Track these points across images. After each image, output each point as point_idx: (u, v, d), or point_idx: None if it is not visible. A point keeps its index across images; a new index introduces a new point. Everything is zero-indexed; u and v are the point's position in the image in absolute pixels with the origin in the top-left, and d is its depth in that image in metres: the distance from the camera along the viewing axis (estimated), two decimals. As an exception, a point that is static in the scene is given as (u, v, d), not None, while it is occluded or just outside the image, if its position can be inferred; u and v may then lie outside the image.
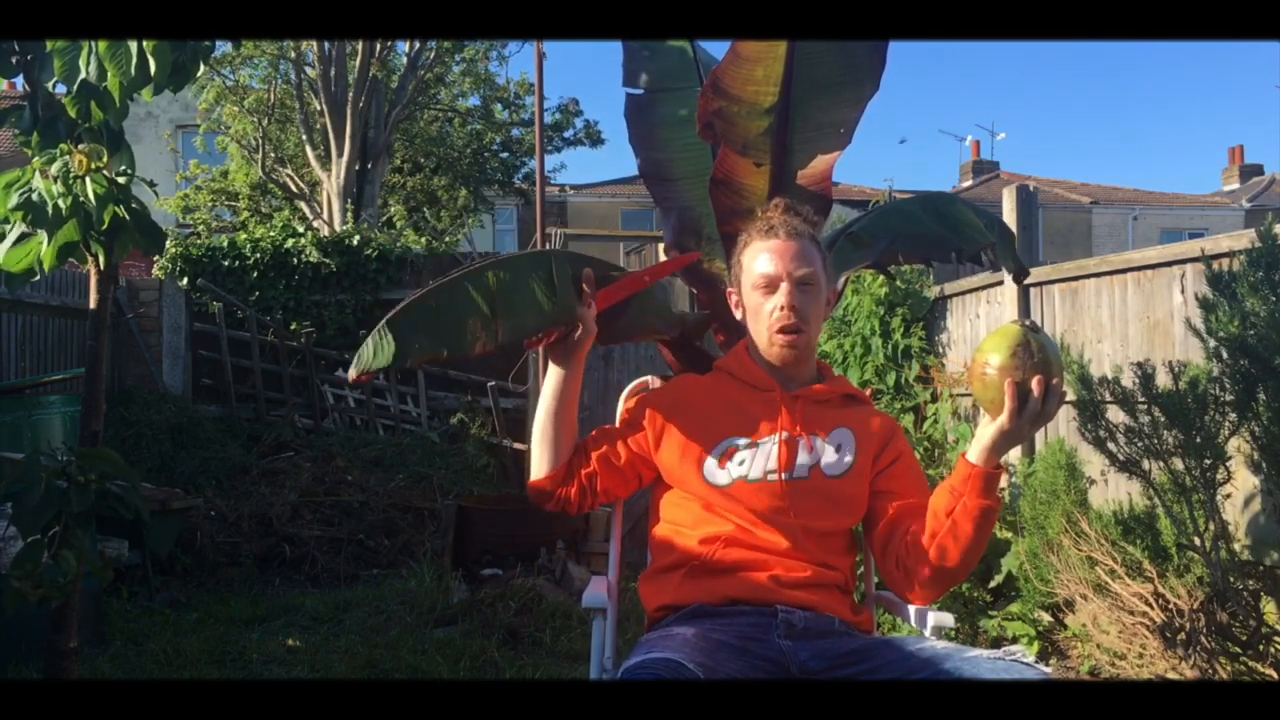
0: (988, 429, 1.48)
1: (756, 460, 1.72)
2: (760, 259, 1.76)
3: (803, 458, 1.73)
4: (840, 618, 1.68)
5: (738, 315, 1.85)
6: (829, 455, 1.74)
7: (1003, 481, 1.65)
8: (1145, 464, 2.80)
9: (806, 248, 1.76)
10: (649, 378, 2.08)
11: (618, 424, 1.92)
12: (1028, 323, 1.45)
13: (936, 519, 1.58)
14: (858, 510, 1.75)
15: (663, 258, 2.64)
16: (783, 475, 1.71)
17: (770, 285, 1.75)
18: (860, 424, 1.80)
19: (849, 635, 1.65)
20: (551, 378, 1.81)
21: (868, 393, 4.97)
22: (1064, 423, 3.97)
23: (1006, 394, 1.42)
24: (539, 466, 1.82)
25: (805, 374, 1.83)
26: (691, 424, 1.78)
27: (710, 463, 1.74)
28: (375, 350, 1.65)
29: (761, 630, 1.62)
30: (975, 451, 1.52)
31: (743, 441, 1.74)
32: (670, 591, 1.72)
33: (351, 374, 1.65)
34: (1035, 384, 1.42)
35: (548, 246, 6.42)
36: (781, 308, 1.73)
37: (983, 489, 1.52)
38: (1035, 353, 1.42)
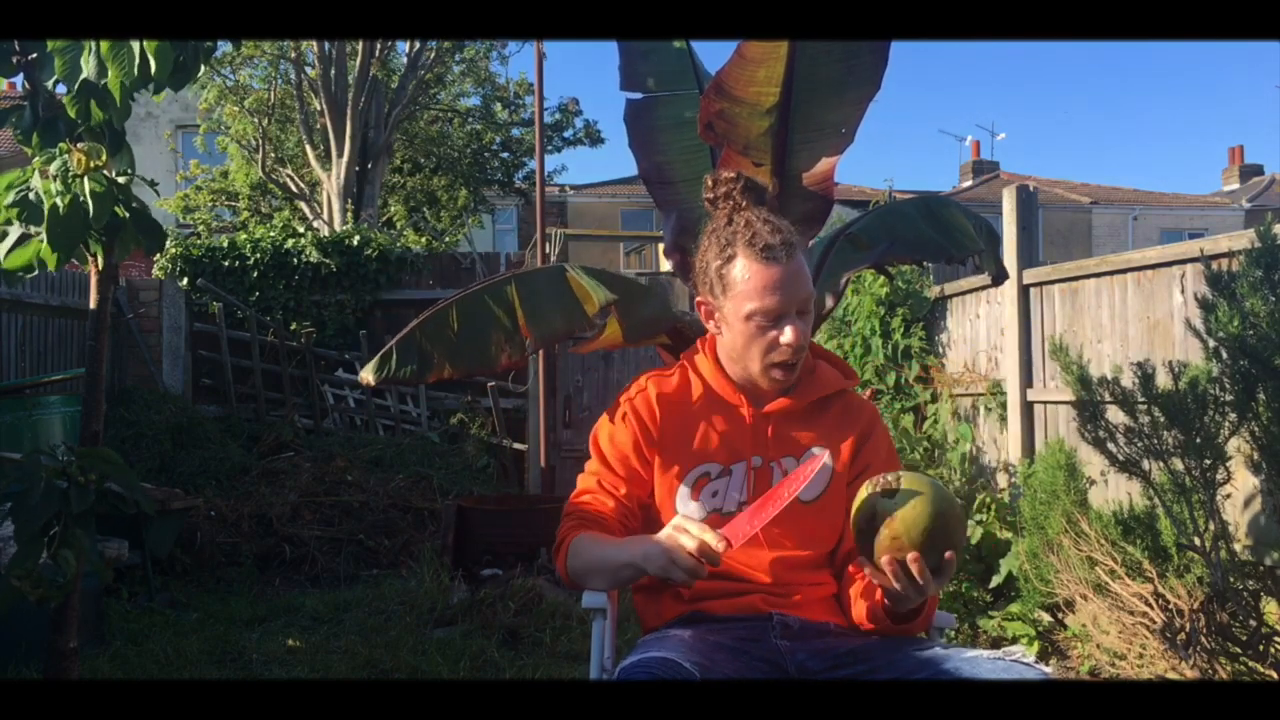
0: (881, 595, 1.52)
1: (730, 491, 1.66)
2: (762, 290, 1.58)
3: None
4: (834, 623, 1.66)
5: (709, 326, 1.70)
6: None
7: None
8: (1145, 464, 2.80)
9: (801, 265, 1.62)
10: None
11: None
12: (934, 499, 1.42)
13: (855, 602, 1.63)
14: (834, 534, 1.70)
15: (663, 258, 2.65)
16: None
17: (773, 318, 1.60)
18: (833, 432, 1.71)
19: (846, 635, 1.64)
20: (640, 564, 1.53)
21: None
22: (1064, 423, 3.97)
23: (888, 571, 1.42)
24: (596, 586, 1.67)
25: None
26: (665, 456, 1.69)
27: (683, 493, 1.66)
28: (400, 362, 1.64)
29: (758, 632, 1.61)
30: (869, 619, 1.58)
31: (715, 470, 1.67)
32: (667, 608, 1.69)
33: (368, 377, 1.64)
34: (913, 562, 1.40)
35: (548, 248, 6.42)
36: (789, 344, 1.60)
37: (890, 626, 1.57)
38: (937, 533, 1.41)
